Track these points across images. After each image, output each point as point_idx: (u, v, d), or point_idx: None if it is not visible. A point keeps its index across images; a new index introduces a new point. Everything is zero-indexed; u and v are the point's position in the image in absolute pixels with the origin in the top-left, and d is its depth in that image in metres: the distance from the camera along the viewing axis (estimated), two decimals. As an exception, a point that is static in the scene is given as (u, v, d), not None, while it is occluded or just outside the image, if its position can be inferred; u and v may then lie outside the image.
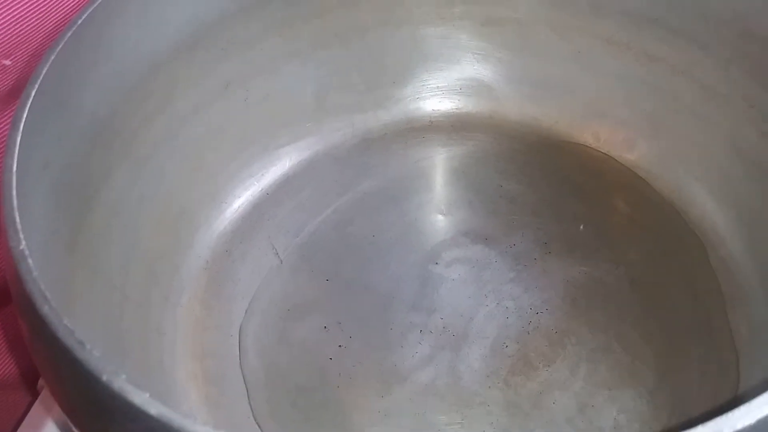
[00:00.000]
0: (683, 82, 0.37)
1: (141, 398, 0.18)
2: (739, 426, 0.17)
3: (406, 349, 0.33)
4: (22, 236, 0.22)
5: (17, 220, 0.23)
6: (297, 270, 0.36)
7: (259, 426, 0.31)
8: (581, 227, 0.37)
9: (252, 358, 0.33)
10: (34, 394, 0.36)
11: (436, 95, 0.42)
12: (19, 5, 0.31)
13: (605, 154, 0.40)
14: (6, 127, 0.31)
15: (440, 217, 0.38)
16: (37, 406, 0.35)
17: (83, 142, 0.30)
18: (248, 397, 0.32)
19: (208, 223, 0.37)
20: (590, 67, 0.40)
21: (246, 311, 0.35)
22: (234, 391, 0.32)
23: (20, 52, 0.32)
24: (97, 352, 0.19)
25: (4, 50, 0.31)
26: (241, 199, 0.38)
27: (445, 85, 0.42)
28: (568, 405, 0.31)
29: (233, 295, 0.35)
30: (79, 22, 0.28)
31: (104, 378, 0.19)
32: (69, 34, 0.28)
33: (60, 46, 0.27)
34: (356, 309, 0.35)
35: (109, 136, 0.31)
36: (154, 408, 0.18)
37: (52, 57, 0.27)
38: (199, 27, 0.35)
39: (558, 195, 0.39)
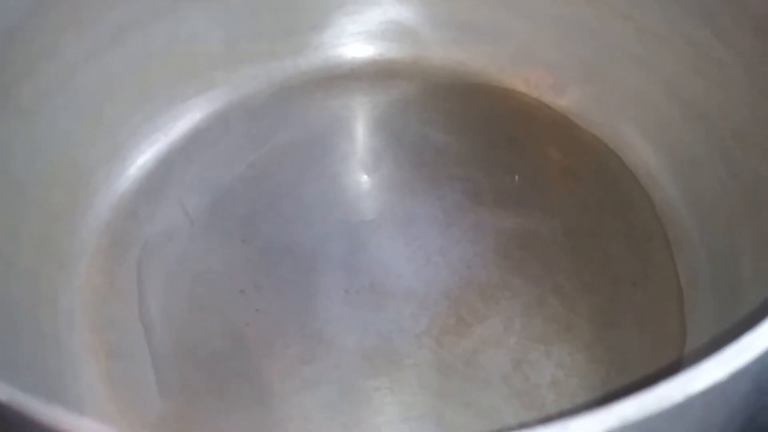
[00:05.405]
0: (620, 23, 0.36)
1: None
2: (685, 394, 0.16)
3: (331, 311, 0.31)
4: None
5: None
6: (210, 231, 0.33)
7: (167, 401, 0.29)
8: (515, 177, 0.35)
9: (159, 328, 0.31)
10: None
11: (357, 41, 0.39)
12: None
13: (537, 99, 0.38)
14: None
15: (364, 170, 0.36)
16: None
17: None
18: (155, 370, 0.30)
19: (109, 181, 0.34)
20: (520, 9, 0.38)
21: (153, 276, 0.32)
22: (140, 365, 0.30)
23: None
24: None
25: None
26: (146, 156, 0.35)
27: (367, 30, 0.39)
28: (503, 362, 0.30)
29: (138, 260, 0.32)
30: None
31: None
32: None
33: None
34: (276, 271, 0.32)
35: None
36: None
37: None
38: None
39: (488, 144, 0.36)
